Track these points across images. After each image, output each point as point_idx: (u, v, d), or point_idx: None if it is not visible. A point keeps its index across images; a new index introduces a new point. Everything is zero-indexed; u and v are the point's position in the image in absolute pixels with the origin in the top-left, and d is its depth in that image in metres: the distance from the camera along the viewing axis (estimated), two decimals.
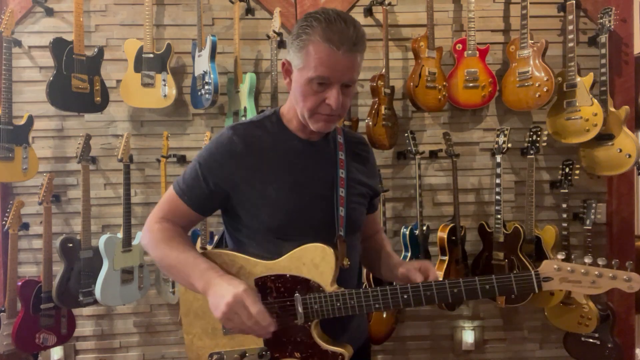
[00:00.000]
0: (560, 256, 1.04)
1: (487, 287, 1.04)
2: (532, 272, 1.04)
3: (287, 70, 1.15)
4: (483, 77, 2.42)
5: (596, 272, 1.01)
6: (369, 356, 1.37)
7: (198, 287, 1.07)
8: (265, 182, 1.14)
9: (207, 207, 1.20)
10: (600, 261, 1.01)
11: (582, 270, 1.02)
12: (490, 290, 1.04)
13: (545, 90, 2.29)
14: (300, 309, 1.09)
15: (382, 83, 2.39)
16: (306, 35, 1.05)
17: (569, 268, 1.02)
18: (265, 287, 1.11)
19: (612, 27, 2.31)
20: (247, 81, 2.35)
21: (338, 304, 1.08)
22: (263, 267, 1.12)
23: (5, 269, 2.21)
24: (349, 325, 1.22)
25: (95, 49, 2.32)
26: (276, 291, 1.11)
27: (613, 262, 1.02)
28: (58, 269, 2.22)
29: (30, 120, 2.25)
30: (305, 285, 1.10)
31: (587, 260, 1.03)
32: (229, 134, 1.16)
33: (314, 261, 1.10)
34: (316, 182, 1.18)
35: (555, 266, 1.03)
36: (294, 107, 1.17)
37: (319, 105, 1.09)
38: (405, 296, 1.06)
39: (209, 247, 2.31)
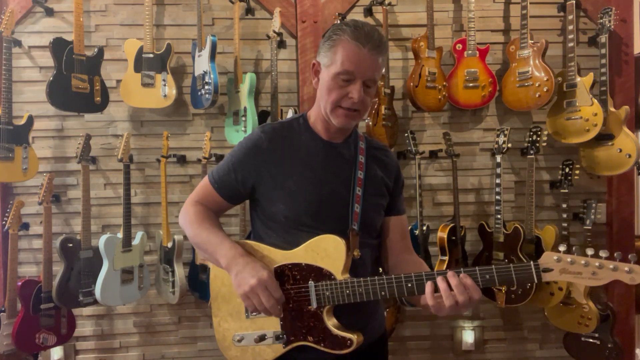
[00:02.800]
0: (562, 248, 1.04)
1: (487, 277, 1.07)
2: (532, 262, 1.06)
3: (316, 70, 1.26)
4: (483, 77, 2.42)
5: (597, 264, 1.01)
6: (385, 353, 1.43)
7: (222, 263, 1.18)
8: (286, 175, 1.25)
9: (235, 197, 1.32)
10: (602, 253, 1.01)
11: (583, 262, 1.02)
12: (490, 279, 1.07)
13: (545, 90, 2.29)
14: (313, 295, 1.18)
15: (382, 83, 2.39)
16: (336, 36, 1.19)
17: (569, 259, 1.03)
18: (283, 275, 1.21)
19: (612, 27, 2.31)
20: (247, 81, 2.35)
21: (347, 291, 1.15)
22: (282, 256, 1.22)
23: (5, 269, 2.21)
24: (365, 321, 1.29)
25: (95, 49, 2.32)
26: (293, 278, 1.20)
27: (615, 255, 1.01)
28: (58, 269, 2.22)
29: (30, 120, 2.25)
30: (318, 273, 1.19)
31: (589, 252, 1.03)
32: (258, 132, 1.29)
33: (327, 251, 1.19)
34: (335, 180, 1.27)
35: (555, 257, 1.04)
36: (318, 110, 1.28)
37: (342, 98, 1.19)
38: (410, 284, 1.12)
39: None
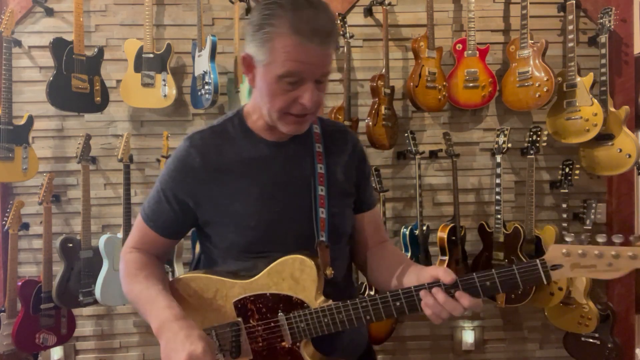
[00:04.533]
0: (569, 238, 0.88)
1: (488, 284, 0.90)
2: (537, 260, 0.88)
3: (249, 65, 0.99)
4: (483, 77, 2.42)
5: (612, 253, 0.84)
6: None
7: (153, 326, 0.94)
8: (229, 198, 1.03)
9: (175, 231, 1.10)
10: (616, 239, 0.84)
11: (596, 252, 0.85)
12: (492, 287, 0.90)
13: (545, 90, 2.29)
14: (286, 330, 0.99)
15: (382, 83, 2.39)
16: (271, 27, 0.90)
17: (580, 251, 0.86)
18: (246, 310, 1.02)
19: (612, 27, 2.31)
20: (247, 81, 2.35)
21: (326, 320, 0.97)
22: (240, 287, 1.02)
23: (5, 269, 2.21)
24: (343, 338, 1.09)
25: (95, 49, 2.32)
26: (258, 312, 1.01)
27: (631, 238, 0.85)
28: (58, 269, 2.22)
29: (30, 120, 2.25)
30: (287, 302, 1.00)
31: (600, 239, 0.86)
32: (186, 146, 1.06)
33: (293, 275, 0.99)
34: (289, 185, 1.06)
35: (563, 250, 0.86)
36: (259, 110, 1.04)
37: (290, 105, 0.96)
38: (398, 303, 0.93)
39: None
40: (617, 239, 0.85)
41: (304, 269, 0.99)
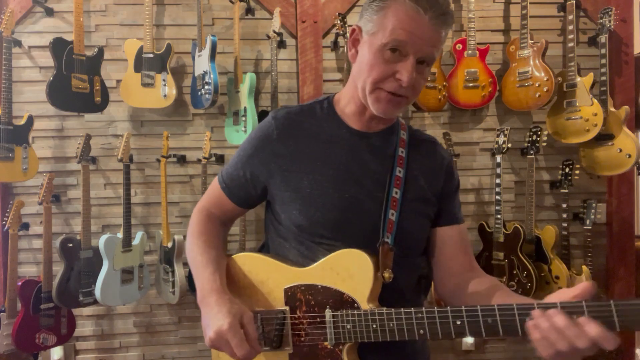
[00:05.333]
0: None
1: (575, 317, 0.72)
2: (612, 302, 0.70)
3: (355, 39, 0.98)
4: (483, 77, 2.42)
5: None
6: None
7: (197, 295, 0.98)
8: (301, 173, 1.00)
9: (248, 200, 1.10)
10: None
11: None
12: (609, 321, 0.70)
13: (545, 90, 2.29)
14: (330, 328, 0.92)
15: None
16: None
17: None
18: (295, 299, 0.97)
19: (612, 27, 2.31)
20: (247, 81, 2.35)
21: (374, 325, 0.88)
22: (294, 274, 0.98)
23: (5, 269, 2.21)
24: (400, 354, 1.01)
25: (95, 49, 2.32)
26: (306, 304, 0.96)
27: None
28: (58, 269, 2.22)
29: (30, 120, 2.25)
30: (338, 299, 0.93)
31: None
32: (269, 118, 1.05)
33: (349, 270, 0.93)
34: (364, 179, 1.00)
35: None
36: (352, 91, 1.02)
37: (386, 78, 0.92)
38: (459, 322, 0.81)
39: None
40: None
41: (361, 265, 0.92)
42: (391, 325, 0.87)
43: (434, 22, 0.88)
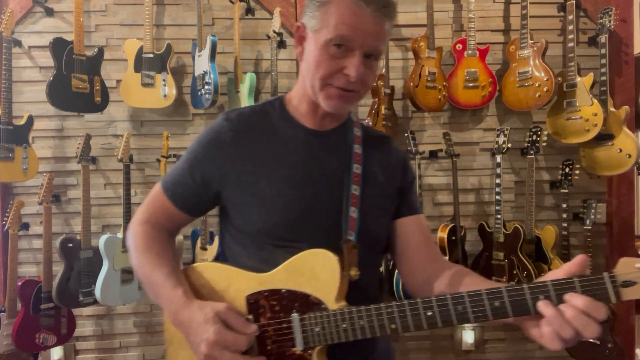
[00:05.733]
0: None
1: (543, 298, 0.74)
2: (606, 274, 0.72)
3: (301, 36, 0.97)
4: (483, 77, 2.42)
5: None
6: None
7: (166, 312, 0.93)
8: (257, 175, 0.97)
9: (196, 207, 1.04)
10: None
11: None
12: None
13: (545, 90, 2.29)
14: (298, 333, 0.88)
15: (382, 83, 2.39)
16: None
17: None
18: (258, 306, 0.92)
19: (612, 27, 2.31)
20: (247, 81, 2.35)
21: (344, 325, 0.85)
22: (256, 280, 0.93)
23: (5, 269, 2.21)
24: (369, 354, 1.00)
25: (95, 49, 2.32)
26: (270, 310, 0.91)
27: None
28: (58, 269, 2.22)
29: (30, 120, 2.25)
30: (304, 301, 0.89)
31: None
32: (221, 119, 1.02)
33: (314, 271, 0.89)
34: (322, 177, 0.99)
35: (637, 265, 0.72)
36: (302, 90, 1.01)
37: (334, 73, 0.92)
38: (430, 313, 0.80)
39: (209, 247, 2.32)
40: None
41: (326, 264, 0.89)
42: (362, 323, 0.85)
43: (376, 14, 0.88)
